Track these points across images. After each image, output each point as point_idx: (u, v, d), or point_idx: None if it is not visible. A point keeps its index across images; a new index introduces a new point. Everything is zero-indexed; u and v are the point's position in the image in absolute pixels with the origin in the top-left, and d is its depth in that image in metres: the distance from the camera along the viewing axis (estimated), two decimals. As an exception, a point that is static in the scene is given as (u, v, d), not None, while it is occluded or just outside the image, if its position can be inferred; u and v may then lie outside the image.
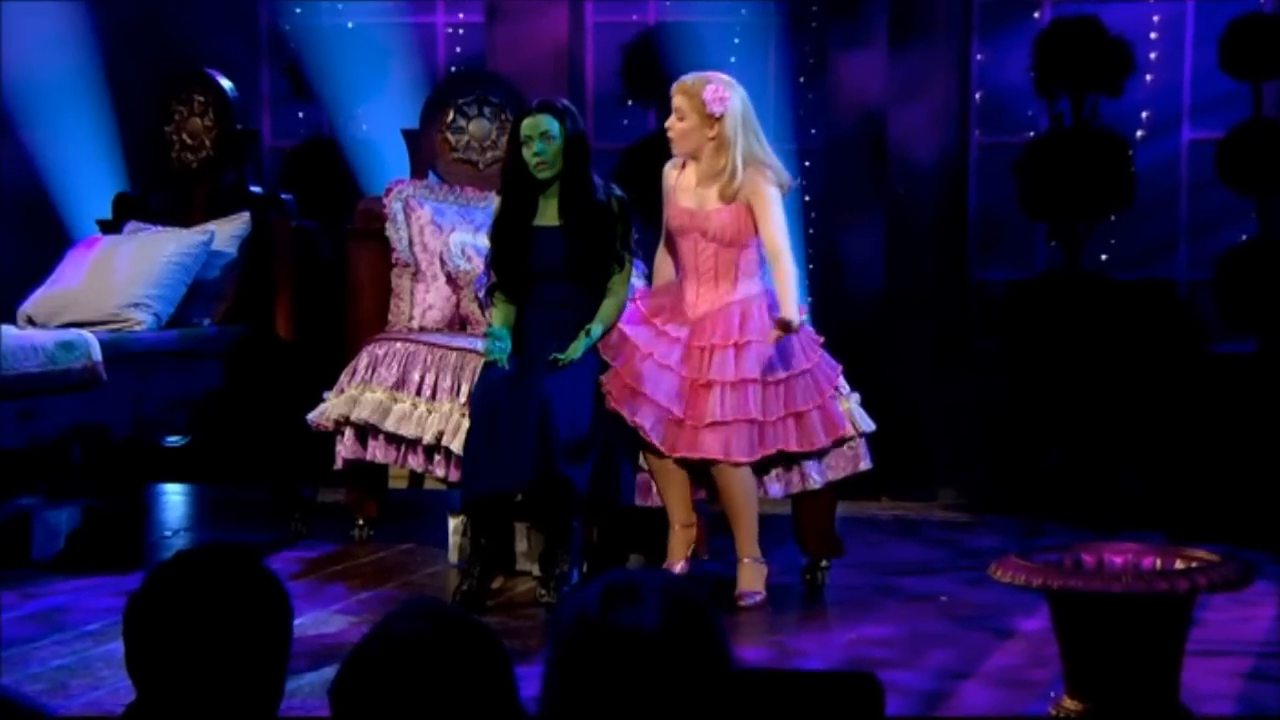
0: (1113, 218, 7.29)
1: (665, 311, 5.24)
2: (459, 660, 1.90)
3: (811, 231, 7.61)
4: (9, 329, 5.93)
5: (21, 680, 4.23)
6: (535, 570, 5.38)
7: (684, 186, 5.24)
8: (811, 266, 7.54)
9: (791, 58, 7.73)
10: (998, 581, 3.64)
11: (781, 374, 5.14)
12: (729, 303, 5.16)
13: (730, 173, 5.15)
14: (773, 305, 5.12)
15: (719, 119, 5.15)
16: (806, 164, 7.65)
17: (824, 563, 5.49)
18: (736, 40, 7.72)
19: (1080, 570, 3.61)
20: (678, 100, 5.20)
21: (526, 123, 5.16)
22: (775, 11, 7.70)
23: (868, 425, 5.41)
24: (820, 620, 5.21)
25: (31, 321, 6.05)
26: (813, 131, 7.71)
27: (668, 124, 5.26)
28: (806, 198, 7.64)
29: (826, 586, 5.47)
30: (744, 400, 5.11)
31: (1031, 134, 7.49)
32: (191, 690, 2.11)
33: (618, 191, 5.25)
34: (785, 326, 5.01)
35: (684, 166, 5.27)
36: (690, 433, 5.10)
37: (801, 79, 7.74)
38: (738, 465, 5.13)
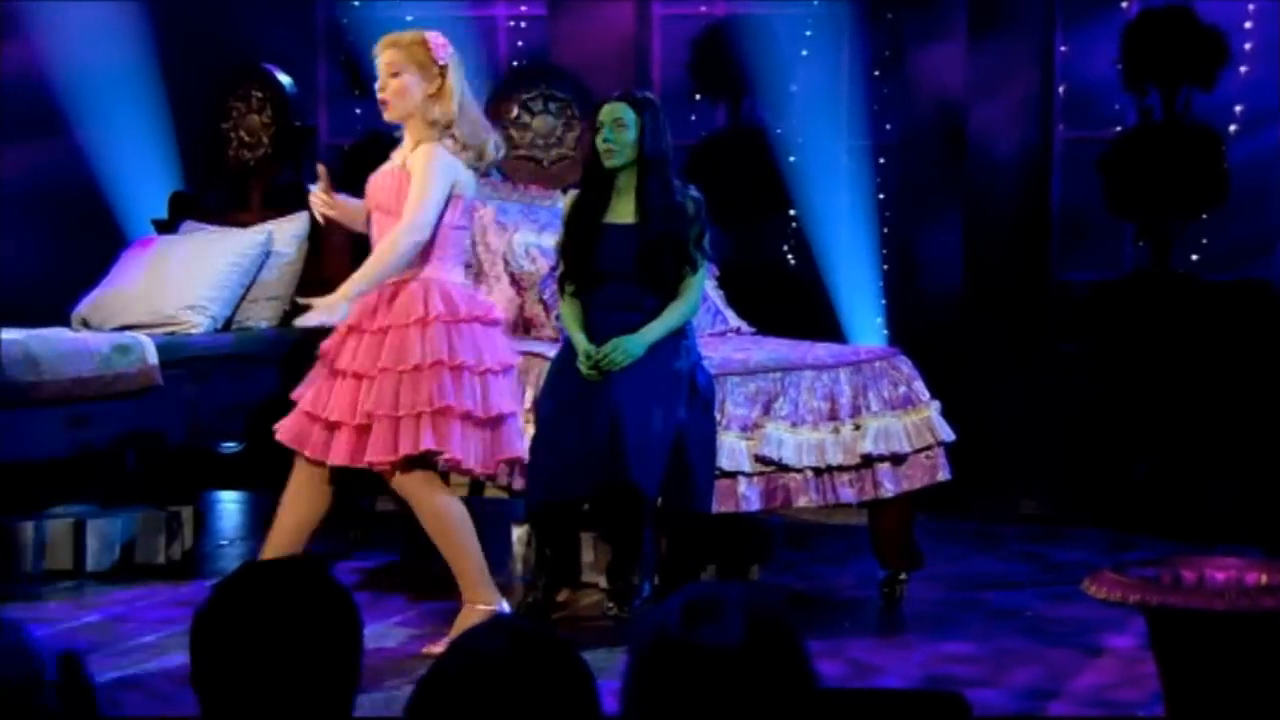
0: (1204, 216, 7.14)
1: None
2: (542, 679, 1.85)
3: (886, 230, 7.48)
4: (63, 332, 5.87)
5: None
6: (602, 582, 5.30)
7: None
8: (886, 267, 7.38)
9: (866, 50, 7.61)
10: (1091, 597, 3.53)
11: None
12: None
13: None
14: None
15: (444, 69, 4.74)
16: (881, 160, 7.55)
17: (902, 575, 5.37)
18: (809, 33, 7.61)
19: (1180, 586, 3.51)
20: (395, 55, 4.70)
21: (604, 109, 5.05)
22: (850, 2, 7.58)
23: (947, 435, 5.32)
24: (898, 635, 5.11)
25: (86, 324, 6.00)
26: (888, 127, 7.60)
27: (379, 89, 4.69)
28: (881, 195, 7.49)
29: (905, 600, 5.35)
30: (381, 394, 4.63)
31: (1119, 129, 7.35)
32: (259, 707, 2.08)
33: (695, 193, 5.08)
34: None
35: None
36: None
37: (877, 72, 7.61)
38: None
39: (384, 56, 4.68)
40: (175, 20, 7.22)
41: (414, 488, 4.67)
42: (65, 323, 6.03)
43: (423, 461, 4.63)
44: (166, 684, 4.36)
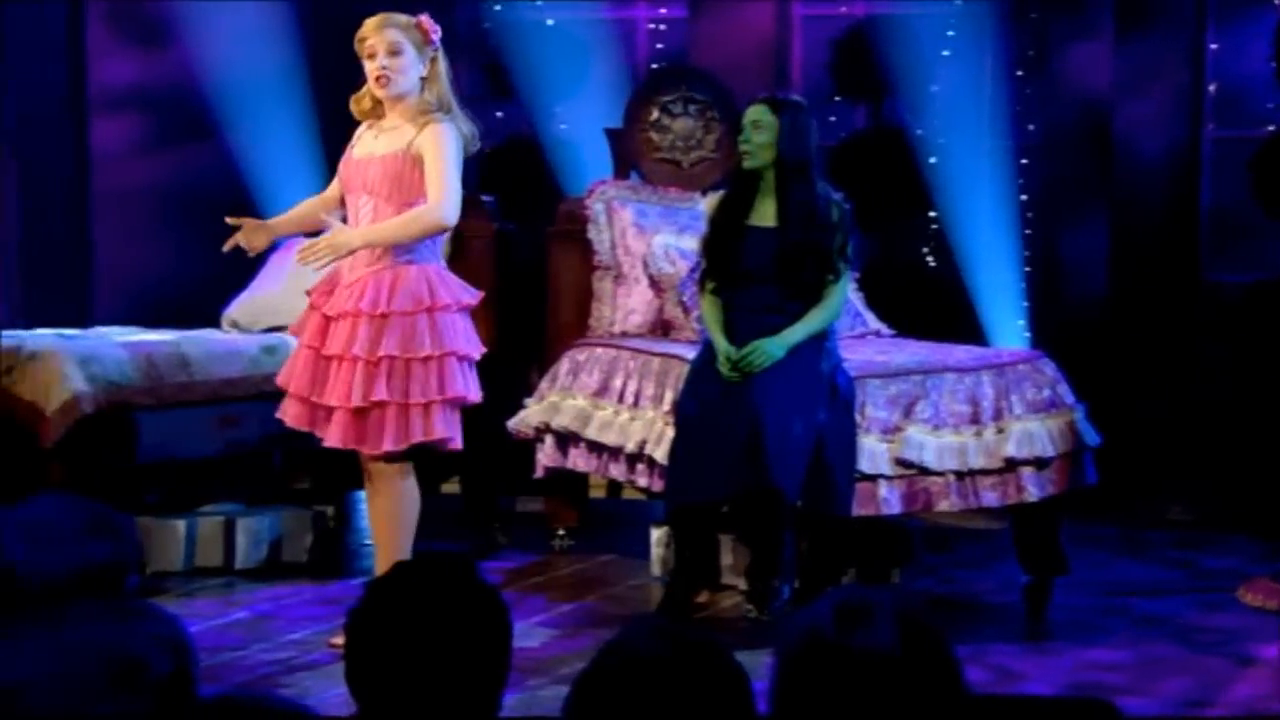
0: (1359, 216, 6.91)
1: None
2: (698, 681, 1.87)
3: (1029, 232, 7.37)
4: (213, 333, 5.97)
5: (227, 690, 4.19)
6: (741, 584, 5.28)
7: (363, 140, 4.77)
8: (1029, 269, 7.28)
9: (1010, 50, 7.50)
10: (1247, 605, 3.41)
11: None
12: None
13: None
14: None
15: (435, 53, 4.71)
16: (1024, 161, 7.43)
17: (1047, 581, 5.27)
18: (951, 33, 7.51)
19: (1341, 596, 3.37)
20: (395, 35, 4.65)
21: (746, 110, 5.02)
22: (993, 1, 7.46)
23: (1093, 439, 5.24)
24: (1043, 642, 5.02)
25: (235, 326, 6.10)
26: (1031, 127, 7.48)
27: (382, 66, 4.62)
28: (1024, 197, 7.38)
29: (1050, 606, 5.25)
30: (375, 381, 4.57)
31: (1271, 128, 7.14)
32: (412, 703, 2.10)
33: (839, 198, 5.04)
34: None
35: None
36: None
37: (1020, 72, 7.50)
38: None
39: (384, 35, 4.63)
40: (323, 26, 7.31)
41: (394, 471, 4.65)
42: (216, 324, 6.13)
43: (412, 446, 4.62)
44: (312, 679, 4.42)
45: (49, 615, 2.00)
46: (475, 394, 4.69)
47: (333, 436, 4.61)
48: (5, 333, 5.63)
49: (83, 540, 2.45)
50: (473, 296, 4.73)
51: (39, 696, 1.78)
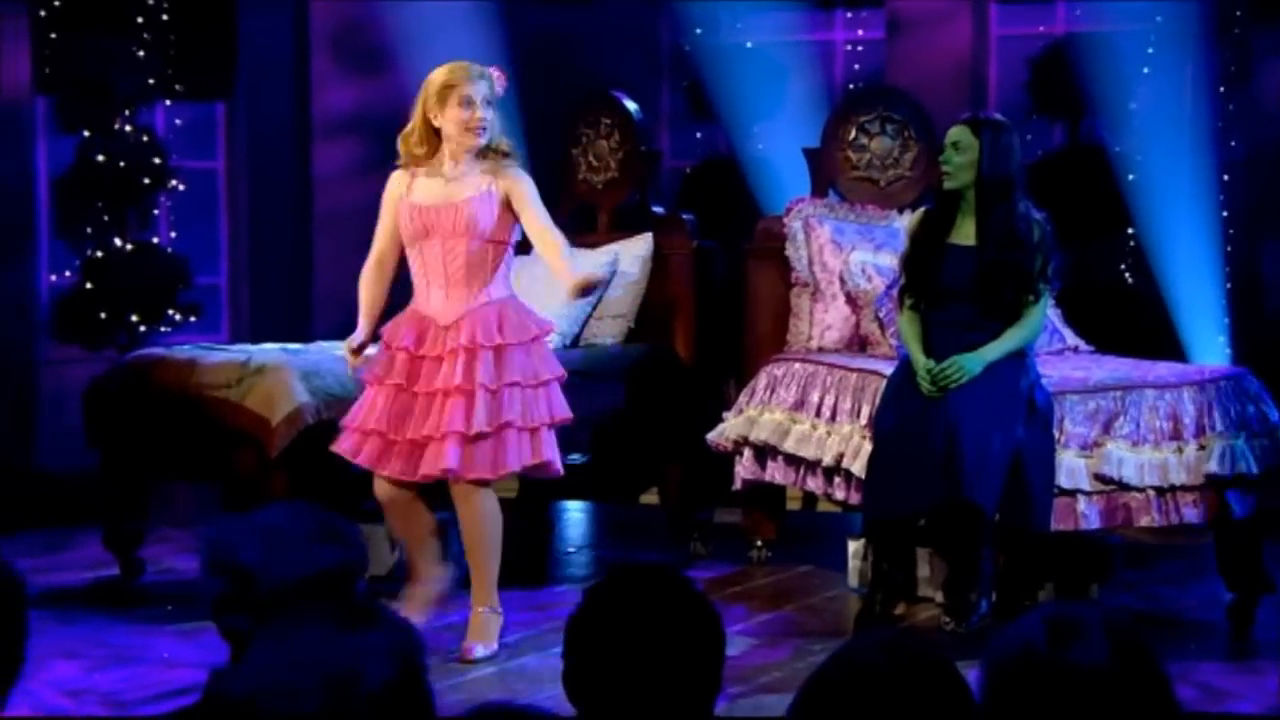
0: None
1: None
2: (922, 692, 1.87)
3: (1230, 249, 7.25)
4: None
5: (444, 690, 4.33)
6: (938, 597, 5.27)
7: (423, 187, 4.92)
8: (1230, 285, 7.17)
9: (1211, 65, 7.40)
10: None
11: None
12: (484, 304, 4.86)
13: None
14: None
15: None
16: (1225, 177, 7.31)
17: (1252, 599, 5.21)
18: (1150, 50, 7.44)
19: None
20: (486, 87, 4.85)
21: (949, 131, 5.06)
22: (1194, 17, 7.37)
23: None
24: (1249, 660, 4.94)
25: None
26: (1233, 143, 7.38)
27: (483, 117, 4.83)
28: (1225, 213, 7.28)
29: (1255, 625, 5.18)
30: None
31: None
32: (630, 709, 2.14)
33: (1042, 219, 5.04)
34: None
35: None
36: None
37: (1222, 88, 7.40)
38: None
39: (479, 86, 4.84)
40: (532, 51, 7.49)
41: (483, 492, 4.84)
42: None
43: None
44: (522, 683, 4.54)
45: (278, 623, 1.99)
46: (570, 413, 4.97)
47: (434, 465, 4.76)
48: (234, 347, 5.89)
49: (313, 546, 2.48)
50: (550, 324, 5.05)
51: (265, 706, 1.79)
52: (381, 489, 4.90)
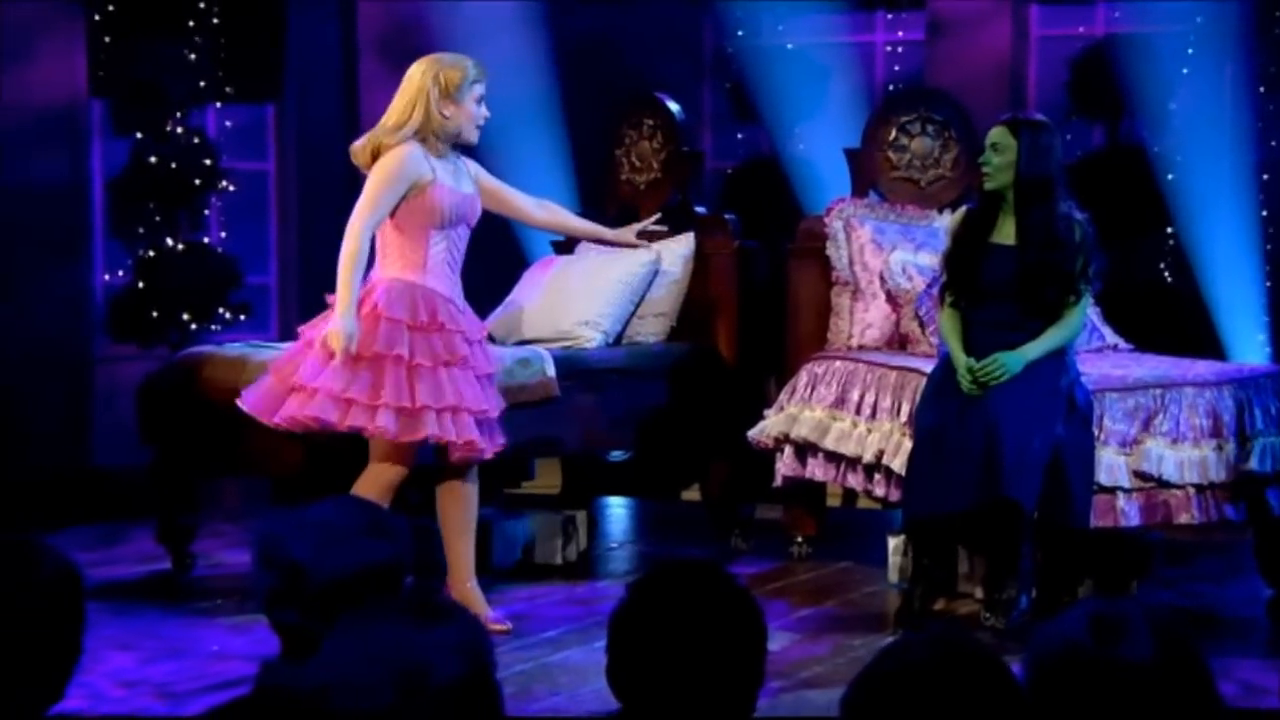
0: None
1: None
2: (971, 689, 1.88)
3: (1269, 248, 7.25)
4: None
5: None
6: (978, 593, 5.29)
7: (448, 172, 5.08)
8: (1268, 284, 7.18)
9: (1251, 66, 7.40)
10: None
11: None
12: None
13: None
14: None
15: None
16: (1265, 177, 7.30)
17: (1290, 596, 5.23)
18: (1190, 50, 7.44)
19: None
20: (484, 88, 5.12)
21: (990, 132, 5.10)
22: (1234, 18, 7.37)
23: None
24: (1287, 657, 4.94)
25: (492, 339, 6.30)
26: (1273, 143, 7.37)
27: (486, 115, 5.11)
28: (1264, 212, 7.28)
29: (1292, 621, 5.20)
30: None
31: None
32: (674, 703, 2.15)
33: (1084, 219, 5.06)
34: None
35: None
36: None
37: (1262, 88, 7.39)
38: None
39: (484, 85, 5.10)
40: (577, 53, 7.55)
41: (473, 473, 5.09)
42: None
43: None
44: (566, 676, 4.59)
45: (346, 617, 1.96)
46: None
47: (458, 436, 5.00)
48: (282, 345, 5.97)
49: (363, 541, 2.51)
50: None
51: (336, 700, 1.78)
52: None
